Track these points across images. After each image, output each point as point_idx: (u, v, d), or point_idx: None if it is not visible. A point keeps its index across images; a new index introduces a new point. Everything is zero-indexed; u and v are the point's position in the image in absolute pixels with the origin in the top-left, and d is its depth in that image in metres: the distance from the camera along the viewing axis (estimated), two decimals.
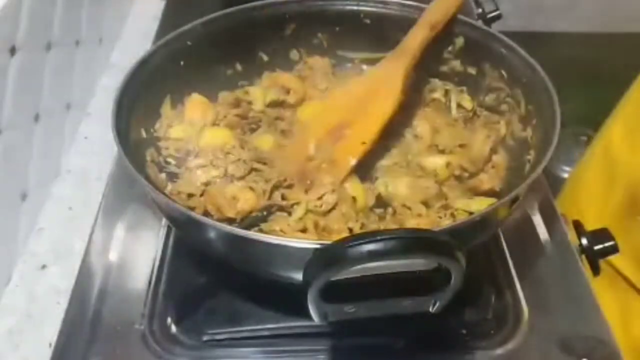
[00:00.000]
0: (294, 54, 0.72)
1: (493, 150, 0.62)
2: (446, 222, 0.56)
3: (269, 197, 0.58)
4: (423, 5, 0.66)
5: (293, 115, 0.68)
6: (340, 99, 0.65)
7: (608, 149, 0.87)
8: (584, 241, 0.63)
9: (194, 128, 0.64)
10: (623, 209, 0.83)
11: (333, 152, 0.60)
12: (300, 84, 0.70)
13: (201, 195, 0.59)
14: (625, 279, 0.79)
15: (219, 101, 0.68)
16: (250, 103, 0.68)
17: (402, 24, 0.66)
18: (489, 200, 0.58)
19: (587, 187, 0.90)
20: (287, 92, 0.70)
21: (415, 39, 0.63)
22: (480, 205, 0.57)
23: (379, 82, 0.63)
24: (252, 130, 0.67)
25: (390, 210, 0.59)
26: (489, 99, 0.65)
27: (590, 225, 0.66)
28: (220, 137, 0.64)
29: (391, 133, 0.64)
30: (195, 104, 0.66)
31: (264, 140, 0.65)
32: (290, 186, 0.59)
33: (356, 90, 0.64)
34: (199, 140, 0.63)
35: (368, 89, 0.63)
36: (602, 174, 0.87)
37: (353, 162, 0.59)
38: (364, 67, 0.72)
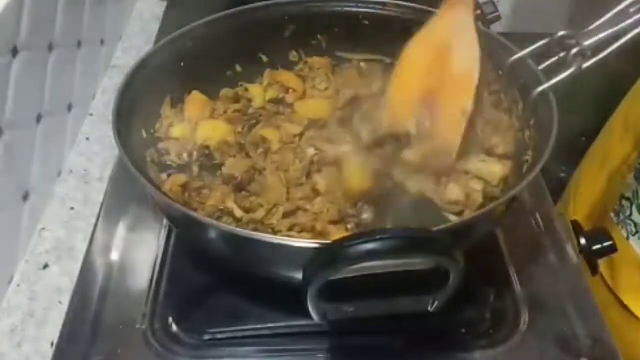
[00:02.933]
0: (293, 55, 0.72)
1: None
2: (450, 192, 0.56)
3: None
4: (420, 7, 0.67)
5: (292, 111, 0.69)
6: (411, 63, 0.57)
7: (608, 148, 0.87)
8: (582, 241, 0.64)
9: (192, 124, 0.64)
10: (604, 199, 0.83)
11: (433, 128, 0.53)
12: (300, 83, 0.71)
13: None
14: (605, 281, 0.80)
15: (220, 97, 0.68)
16: (249, 100, 0.68)
17: (400, 26, 0.66)
18: (501, 166, 0.57)
19: (586, 187, 0.91)
20: (287, 90, 0.70)
21: None
22: (491, 168, 0.56)
23: (449, 34, 0.55)
24: (251, 127, 0.66)
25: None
26: (487, 101, 0.65)
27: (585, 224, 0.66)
28: (219, 131, 0.63)
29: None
30: (195, 101, 0.66)
31: (268, 132, 0.65)
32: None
33: (426, 51, 0.56)
34: (195, 134, 0.63)
35: (440, 45, 0.55)
36: (601, 165, 0.87)
37: (459, 138, 0.53)
38: (362, 64, 0.72)
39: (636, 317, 0.77)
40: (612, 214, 0.80)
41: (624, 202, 0.78)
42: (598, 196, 0.86)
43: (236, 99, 0.68)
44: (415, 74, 0.57)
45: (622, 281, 0.78)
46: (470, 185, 0.58)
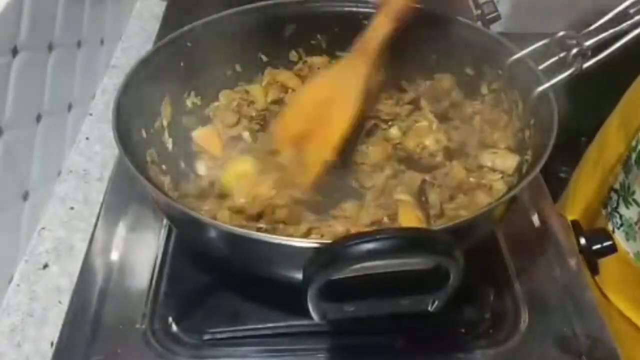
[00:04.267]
0: (293, 55, 0.72)
1: None
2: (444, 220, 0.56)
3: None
4: (420, 7, 0.66)
5: None
6: (301, 105, 0.62)
7: (604, 146, 0.87)
8: (582, 241, 0.64)
9: (217, 162, 0.63)
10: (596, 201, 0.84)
11: (293, 165, 0.57)
12: (299, 84, 0.71)
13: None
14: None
15: (221, 100, 0.68)
16: (252, 102, 0.68)
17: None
18: (513, 155, 0.59)
19: (582, 185, 0.91)
20: (286, 91, 0.70)
21: (377, 34, 0.60)
22: (505, 159, 0.59)
23: (338, 87, 0.60)
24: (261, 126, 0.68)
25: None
26: (488, 99, 0.66)
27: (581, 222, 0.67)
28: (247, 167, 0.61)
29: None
30: (205, 137, 0.66)
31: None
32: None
33: (316, 95, 0.61)
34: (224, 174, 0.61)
35: (327, 95, 0.60)
36: (596, 161, 0.88)
37: (308, 182, 0.56)
38: None
39: (619, 310, 0.77)
40: (602, 209, 0.80)
41: (612, 194, 0.79)
42: (593, 194, 0.86)
43: (236, 116, 0.67)
44: (302, 111, 0.61)
45: (606, 275, 0.78)
46: (489, 177, 0.59)
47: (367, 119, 0.66)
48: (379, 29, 0.60)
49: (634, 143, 0.77)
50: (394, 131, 0.66)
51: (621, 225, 0.77)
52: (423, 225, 0.55)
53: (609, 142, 0.86)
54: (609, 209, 0.79)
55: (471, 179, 0.60)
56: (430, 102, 0.67)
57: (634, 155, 0.76)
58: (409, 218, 0.55)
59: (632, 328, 0.77)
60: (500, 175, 0.59)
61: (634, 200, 0.75)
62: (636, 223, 0.75)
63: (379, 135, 0.66)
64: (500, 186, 0.59)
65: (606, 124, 0.90)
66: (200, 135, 0.66)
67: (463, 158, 0.62)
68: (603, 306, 0.77)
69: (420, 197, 0.59)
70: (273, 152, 0.60)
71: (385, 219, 0.56)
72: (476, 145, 0.63)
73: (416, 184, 0.59)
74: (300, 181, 0.56)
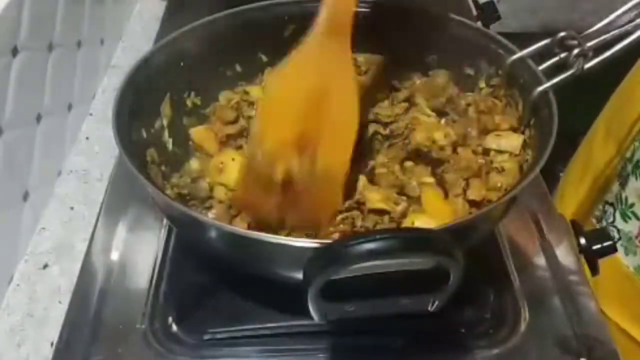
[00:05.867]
0: None
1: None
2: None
3: None
4: (420, 7, 0.67)
5: None
6: (290, 102, 0.52)
7: (591, 154, 0.87)
8: (582, 241, 0.64)
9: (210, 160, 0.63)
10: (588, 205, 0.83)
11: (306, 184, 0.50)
12: None
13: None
14: None
15: (220, 101, 0.69)
16: (252, 103, 0.68)
17: (400, 25, 0.67)
18: (516, 135, 0.59)
19: (570, 191, 0.91)
20: None
21: (345, 6, 0.50)
22: (509, 139, 0.59)
23: (327, 75, 0.51)
24: None
25: None
26: (484, 92, 0.66)
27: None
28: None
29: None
30: (202, 135, 0.65)
31: None
32: None
33: (304, 86, 0.51)
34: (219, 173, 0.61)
35: (318, 86, 0.51)
36: (583, 171, 0.88)
37: (341, 181, 0.52)
38: (360, 58, 0.72)
39: (617, 325, 0.76)
40: (593, 220, 0.79)
41: (607, 207, 0.78)
42: (582, 200, 0.86)
43: (232, 115, 0.67)
44: (289, 113, 0.52)
45: (604, 290, 0.77)
46: (498, 160, 0.59)
47: (366, 125, 0.66)
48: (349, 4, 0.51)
49: (628, 154, 0.76)
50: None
51: (619, 239, 0.75)
52: (445, 203, 0.56)
53: (596, 148, 0.85)
54: (604, 223, 0.78)
55: (481, 161, 0.60)
56: (427, 98, 0.67)
57: (629, 166, 0.75)
58: (431, 195, 0.56)
59: (631, 342, 0.76)
60: (508, 156, 0.60)
61: (633, 213, 0.74)
62: (636, 237, 0.74)
63: (381, 139, 0.66)
64: (511, 166, 0.59)
65: (592, 131, 0.89)
66: (197, 133, 0.66)
67: (469, 146, 0.62)
68: None
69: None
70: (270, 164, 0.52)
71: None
72: (479, 133, 0.63)
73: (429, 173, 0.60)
74: (324, 202, 0.51)
